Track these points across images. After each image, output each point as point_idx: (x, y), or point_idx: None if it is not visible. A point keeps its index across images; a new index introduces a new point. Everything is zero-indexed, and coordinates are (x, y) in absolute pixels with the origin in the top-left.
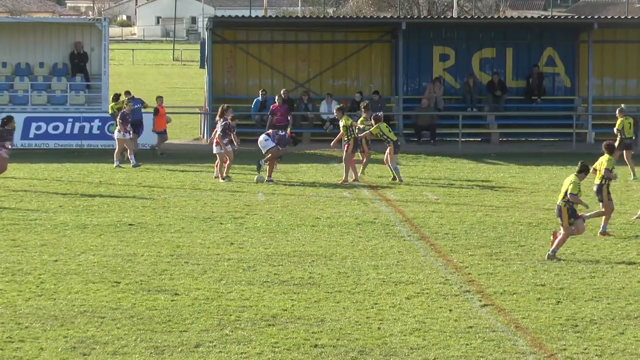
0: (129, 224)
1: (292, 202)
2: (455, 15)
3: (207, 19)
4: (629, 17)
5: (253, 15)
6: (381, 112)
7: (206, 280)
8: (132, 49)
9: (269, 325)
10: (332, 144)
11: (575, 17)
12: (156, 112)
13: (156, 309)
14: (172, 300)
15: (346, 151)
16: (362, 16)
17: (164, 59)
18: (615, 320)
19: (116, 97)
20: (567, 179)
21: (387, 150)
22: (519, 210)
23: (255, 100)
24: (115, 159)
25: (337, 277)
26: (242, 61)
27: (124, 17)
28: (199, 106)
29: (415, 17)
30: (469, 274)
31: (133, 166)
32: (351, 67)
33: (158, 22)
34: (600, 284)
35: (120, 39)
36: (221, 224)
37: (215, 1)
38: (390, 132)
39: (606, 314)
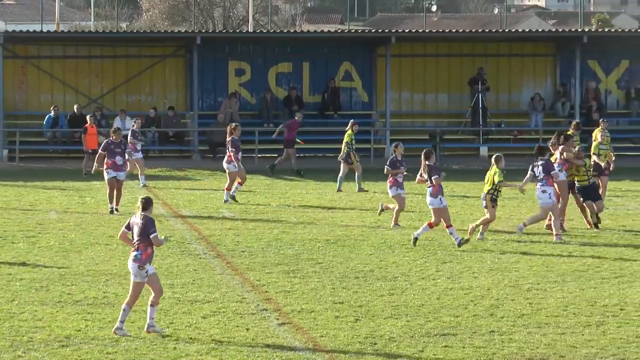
0: None
1: (86, 220)
2: (250, 29)
3: None
4: (427, 30)
5: (45, 30)
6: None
7: None
8: None
9: (63, 346)
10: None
11: (373, 30)
12: (85, 131)
13: None
14: None
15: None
16: (156, 30)
17: None
18: (414, 337)
19: None
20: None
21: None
22: (316, 227)
23: (47, 116)
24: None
25: None
26: (33, 77)
27: None
28: None
29: (210, 31)
30: (266, 292)
31: (143, 186)
32: (145, 83)
33: None
34: (399, 301)
35: None
36: (13, 243)
37: (6, 15)
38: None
39: (405, 332)
